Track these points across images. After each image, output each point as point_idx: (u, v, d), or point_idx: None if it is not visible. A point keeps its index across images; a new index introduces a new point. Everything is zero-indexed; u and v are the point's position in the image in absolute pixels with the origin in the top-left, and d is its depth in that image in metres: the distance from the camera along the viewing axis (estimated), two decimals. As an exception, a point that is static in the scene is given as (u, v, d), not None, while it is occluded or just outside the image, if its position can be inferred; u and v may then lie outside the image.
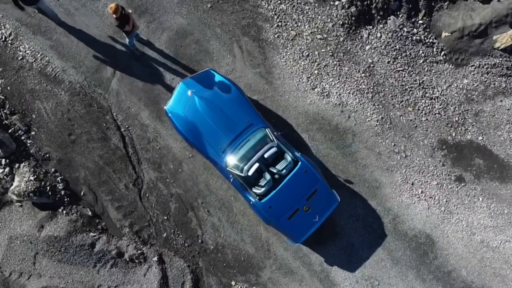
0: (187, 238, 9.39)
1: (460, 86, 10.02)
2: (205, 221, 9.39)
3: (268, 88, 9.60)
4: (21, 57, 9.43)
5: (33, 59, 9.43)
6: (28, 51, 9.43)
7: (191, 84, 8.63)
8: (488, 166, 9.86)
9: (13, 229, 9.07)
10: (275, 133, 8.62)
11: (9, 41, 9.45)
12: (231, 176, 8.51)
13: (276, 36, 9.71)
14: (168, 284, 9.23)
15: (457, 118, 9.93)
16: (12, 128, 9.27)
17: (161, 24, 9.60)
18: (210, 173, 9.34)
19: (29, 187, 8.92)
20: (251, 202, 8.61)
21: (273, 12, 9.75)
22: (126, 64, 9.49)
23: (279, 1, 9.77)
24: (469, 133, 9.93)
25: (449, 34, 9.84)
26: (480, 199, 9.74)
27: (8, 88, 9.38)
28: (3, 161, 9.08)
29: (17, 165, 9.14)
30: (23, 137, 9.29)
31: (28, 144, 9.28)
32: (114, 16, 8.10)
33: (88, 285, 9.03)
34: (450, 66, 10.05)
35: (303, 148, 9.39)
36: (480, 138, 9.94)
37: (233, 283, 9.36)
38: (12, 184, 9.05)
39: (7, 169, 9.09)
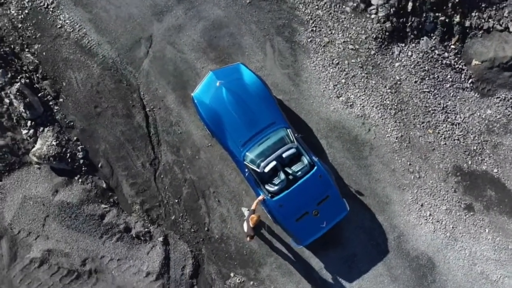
0: (194, 224, 9.55)
1: (483, 116, 10.05)
2: (214, 210, 9.55)
3: (294, 90, 9.72)
4: (59, 26, 9.67)
5: (71, 29, 9.66)
6: (67, 21, 9.66)
7: (220, 74, 8.77)
8: (499, 199, 9.87)
9: (28, 189, 9.30)
10: (296, 134, 8.74)
11: (51, 9, 9.69)
12: (246, 170, 8.64)
13: (309, 40, 9.82)
14: (169, 265, 9.40)
15: (475, 147, 9.96)
16: (42, 93, 9.51)
17: (199, 12, 9.77)
18: (226, 164, 9.48)
19: (50, 151, 9.15)
20: (262, 199, 8.74)
21: (309, 17, 9.87)
22: (160, 46, 9.67)
23: (316, 6, 9.88)
24: (485, 163, 9.95)
25: (479, 63, 9.87)
26: (487, 230, 9.76)
27: (44, 53, 9.63)
28: (28, 123, 9.32)
29: (41, 128, 9.38)
30: (51, 103, 9.53)
31: (55, 110, 9.52)
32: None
33: (92, 254, 9.23)
34: (476, 95, 10.08)
35: (320, 154, 9.48)
36: (495, 170, 9.95)
37: (232, 274, 9.49)
38: (34, 146, 9.29)
39: (31, 131, 9.33)
